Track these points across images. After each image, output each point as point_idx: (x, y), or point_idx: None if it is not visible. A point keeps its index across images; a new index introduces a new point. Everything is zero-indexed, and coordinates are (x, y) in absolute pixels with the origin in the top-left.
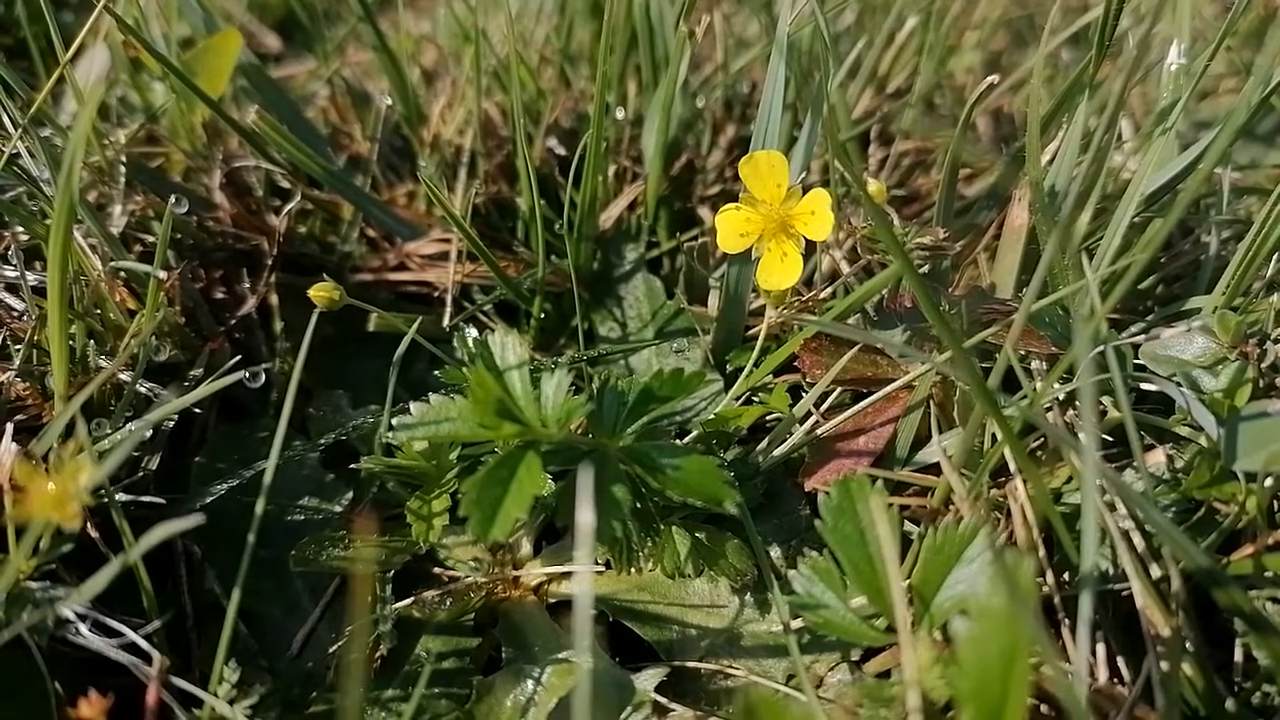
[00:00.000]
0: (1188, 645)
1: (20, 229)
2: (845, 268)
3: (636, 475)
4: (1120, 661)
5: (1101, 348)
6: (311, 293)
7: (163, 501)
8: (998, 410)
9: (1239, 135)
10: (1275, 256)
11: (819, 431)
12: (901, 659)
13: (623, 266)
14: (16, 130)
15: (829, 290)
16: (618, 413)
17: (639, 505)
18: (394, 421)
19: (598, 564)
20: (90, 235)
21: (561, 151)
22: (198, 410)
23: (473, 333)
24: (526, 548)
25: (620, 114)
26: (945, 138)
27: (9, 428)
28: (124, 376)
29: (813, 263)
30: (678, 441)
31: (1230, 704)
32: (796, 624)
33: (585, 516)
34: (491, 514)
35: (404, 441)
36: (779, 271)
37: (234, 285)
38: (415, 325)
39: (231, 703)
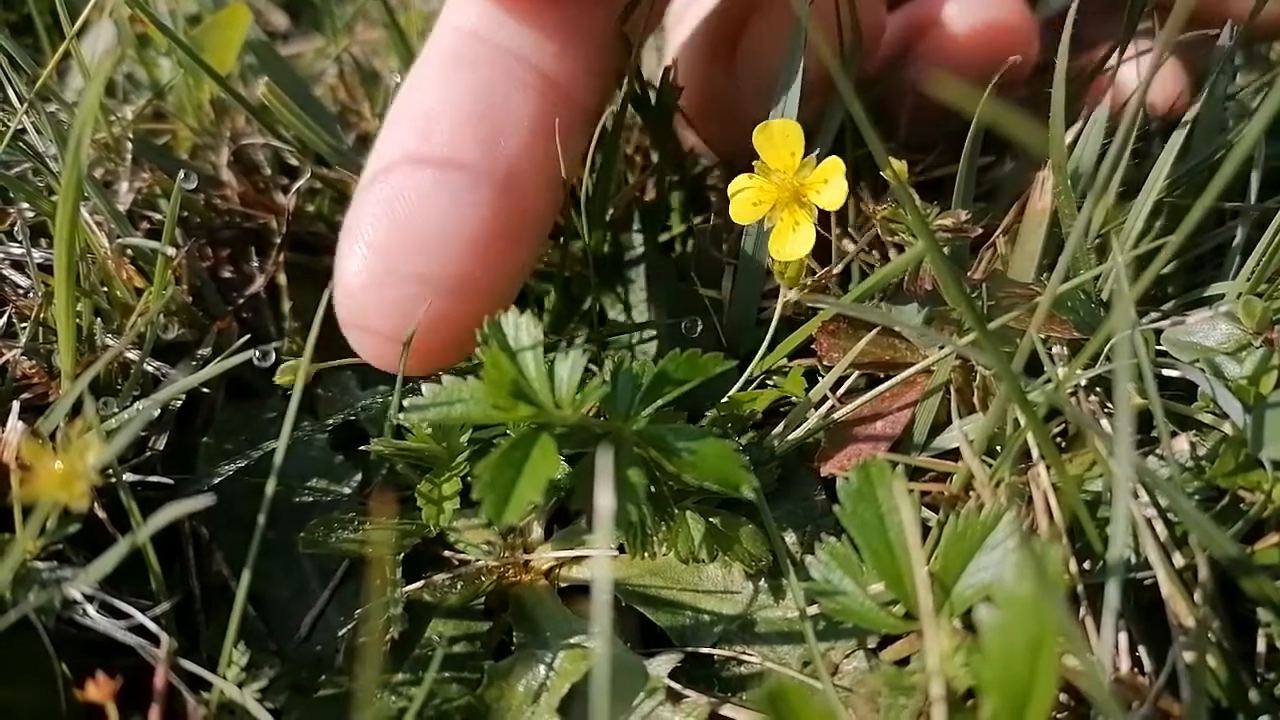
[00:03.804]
0: (1211, 636)
1: (26, 205)
2: (863, 253)
3: (651, 459)
4: (1142, 651)
5: (1127, 333)
6: (277, 378)
7: (170, 482)
8: (1023, 395)
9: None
10: None
11: (835, 416)
12: (925, 646)
13: (634, 249)
14: (22, 105)
15: (841, 266)
16: (632, 395)
17: (654, 489)
18: (405, 402)
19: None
20: (97, 212)
21: None
22: (205, 390)
23: None
24: (538, 531)
25: None
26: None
27: (15, 406)
28: (131, 355)
29: (831, 246)
30: (693, 425)
31: (1254, 695)
32: (812, 610)
33: (604, 500)
34: (505, 497)
35: (414, 423)
36: (791, 241)
37: (242, 264)
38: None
39: (240, 685)
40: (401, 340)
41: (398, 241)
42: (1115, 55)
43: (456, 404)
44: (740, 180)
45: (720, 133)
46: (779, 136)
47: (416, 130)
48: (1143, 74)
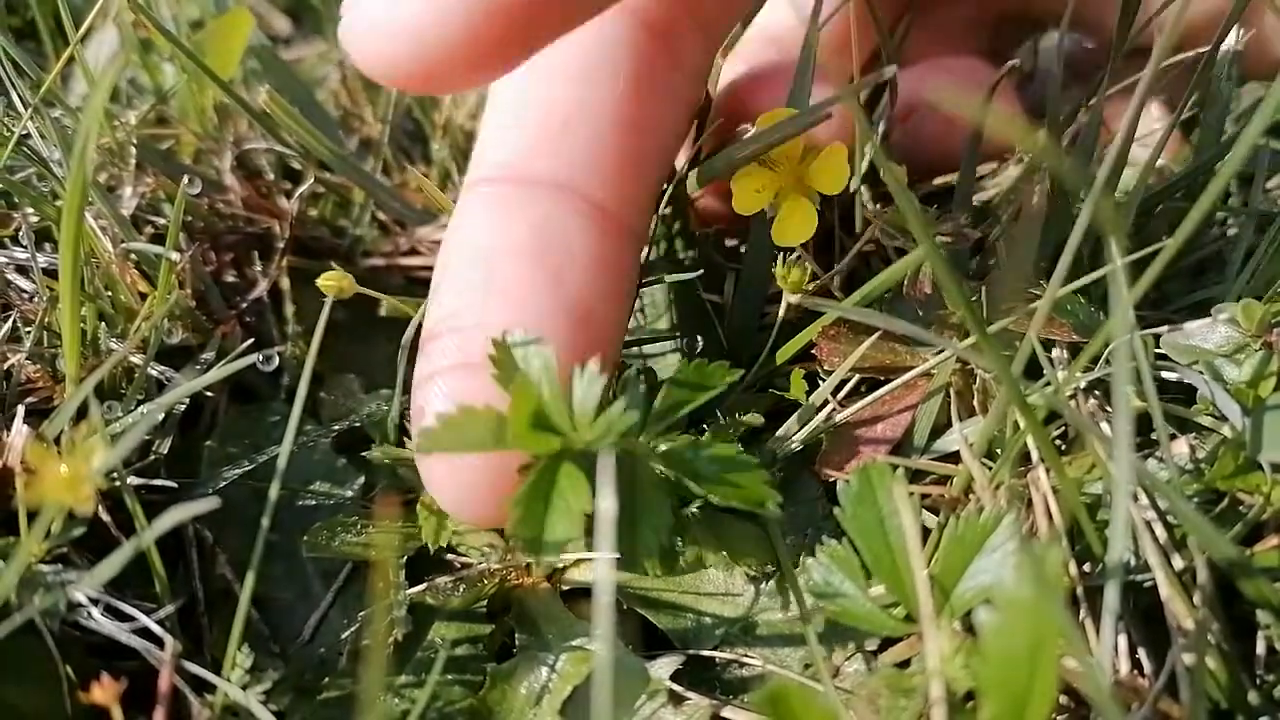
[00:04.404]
0: (1211, 638)
1: (30, 210)
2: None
3: (674, 478)
4: (1142, 653)
5: (1127, 336)
6: (320, 281)
7: (174, 485)
8: (1022, 398)
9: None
10: None
11: (836, 420)
12: (925, 648)
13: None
14: (27, 111)
15: (843, 266)
16: (645, 411)
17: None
18: (419, 433)
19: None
20: (100, 217)
21: None
22: (209, 394)
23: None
24: None
25: None
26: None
27: (20, 410)
28: (135, 359)
29: (834, 251)
30: (709, 439)
31: (1254, 697)
32: (815, 610)
33: (607, 504)
34: (539, 534)
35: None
36: (794, 227)
37: (245, 269)
38: (421, 311)
39: (244, 687)
40: (494, 490)
41: (476, 392)
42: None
43: (471, 433)
44: (744, 171)
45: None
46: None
47: (477, 273)
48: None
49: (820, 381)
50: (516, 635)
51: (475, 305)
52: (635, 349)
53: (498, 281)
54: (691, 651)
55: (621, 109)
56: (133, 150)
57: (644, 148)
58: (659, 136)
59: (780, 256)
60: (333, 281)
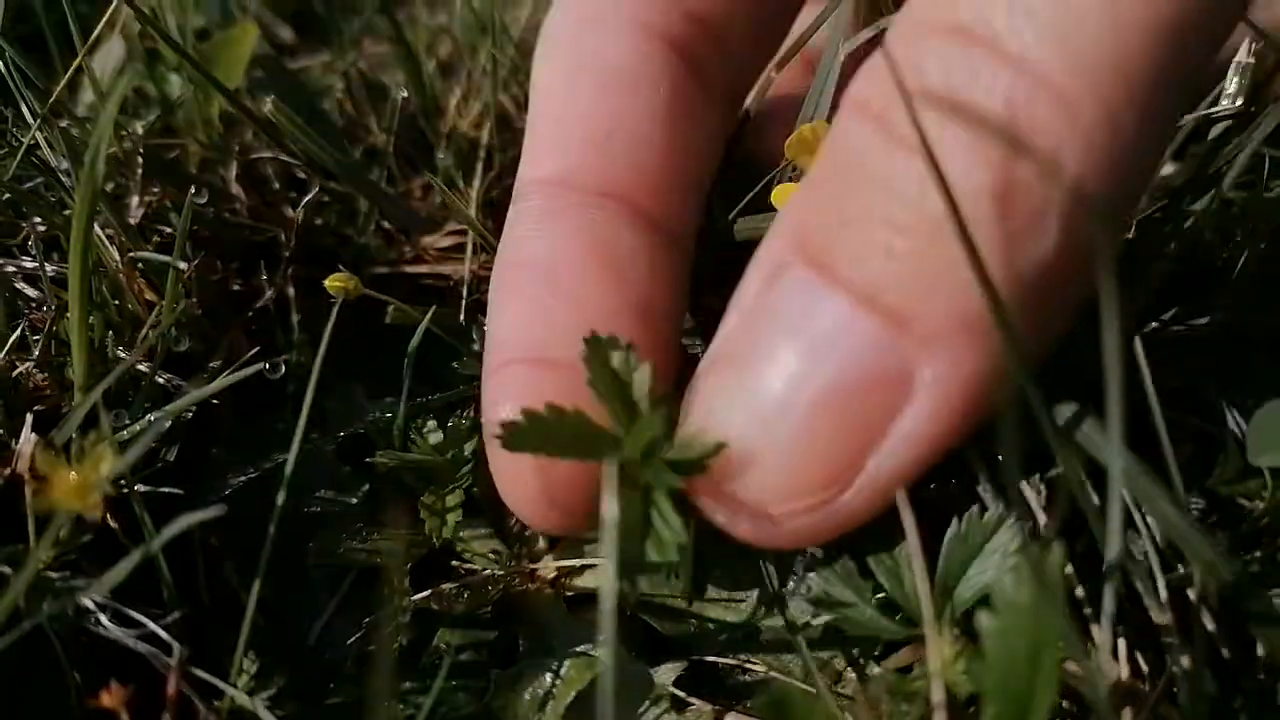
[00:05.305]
0: (1211, 641)
1: (38, 219)
2: None
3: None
4: (1141, 657)
5: (1118, 337)
6: (328, 283)
7: (181, 493)
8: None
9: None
10: None
11: None
12: (927, 653)
13: None
14: (35, 121)
15: None
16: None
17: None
18: (502, 421)
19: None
20: (108, 226)
21: None
22: (215, 402)
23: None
24: (543, 541)
25: None
26: None
27: (29, 418)
28: (142, 368)
29: None
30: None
31: (1252, 700)
32: (815, 619)
33: (611, 509)
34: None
35: (419, 435)
36: None
37: (251, 277)
38: (427, 318)
39: (250, 694)
40: (559, 497)
41: (553, 396)
42: None
43: (558, 436)
44: (784, 188)
45: None
46: (812, 140)
47: (540, 280)
48: None
49: None
50: (521, 641)
51: (543, 310)
52: None
53: (562, 285)
54: (695, 657)
55: (658, 125)
56: (139, 160)
57: (681, 164)
58: (693, 155)
59: None
60: (340, 283)
